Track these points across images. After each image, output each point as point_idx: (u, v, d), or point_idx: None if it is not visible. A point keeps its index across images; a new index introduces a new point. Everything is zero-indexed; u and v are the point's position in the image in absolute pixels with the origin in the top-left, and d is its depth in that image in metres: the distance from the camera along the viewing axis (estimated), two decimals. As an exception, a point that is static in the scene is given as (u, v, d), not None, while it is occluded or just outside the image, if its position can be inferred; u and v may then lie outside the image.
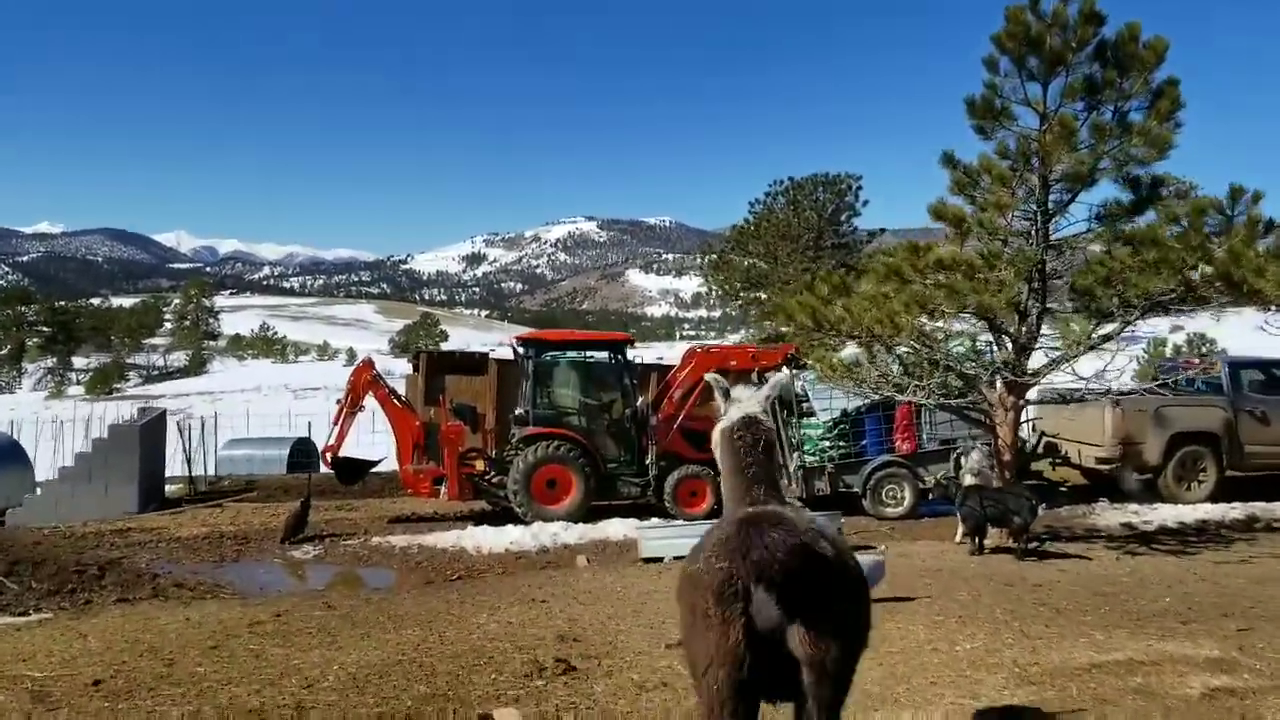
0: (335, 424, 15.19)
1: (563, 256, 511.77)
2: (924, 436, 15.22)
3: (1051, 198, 11.57)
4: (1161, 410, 15.05)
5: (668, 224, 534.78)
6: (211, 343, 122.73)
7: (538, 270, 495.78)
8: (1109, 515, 14.22)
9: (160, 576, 11.54)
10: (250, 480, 21.34)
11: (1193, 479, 15.30)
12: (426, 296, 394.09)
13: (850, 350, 13.38)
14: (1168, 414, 15.13)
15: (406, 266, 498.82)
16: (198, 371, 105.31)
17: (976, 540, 11.13)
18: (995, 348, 12.02)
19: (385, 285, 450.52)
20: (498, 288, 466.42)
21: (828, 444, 15.24)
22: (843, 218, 45.27)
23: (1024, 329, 11.52)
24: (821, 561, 3.06)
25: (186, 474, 20.26)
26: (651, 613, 8.41)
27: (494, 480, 15.14)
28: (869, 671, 6.07)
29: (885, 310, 11.10)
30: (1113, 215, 11.59)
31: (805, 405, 15.31)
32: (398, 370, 40.45)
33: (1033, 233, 11.53)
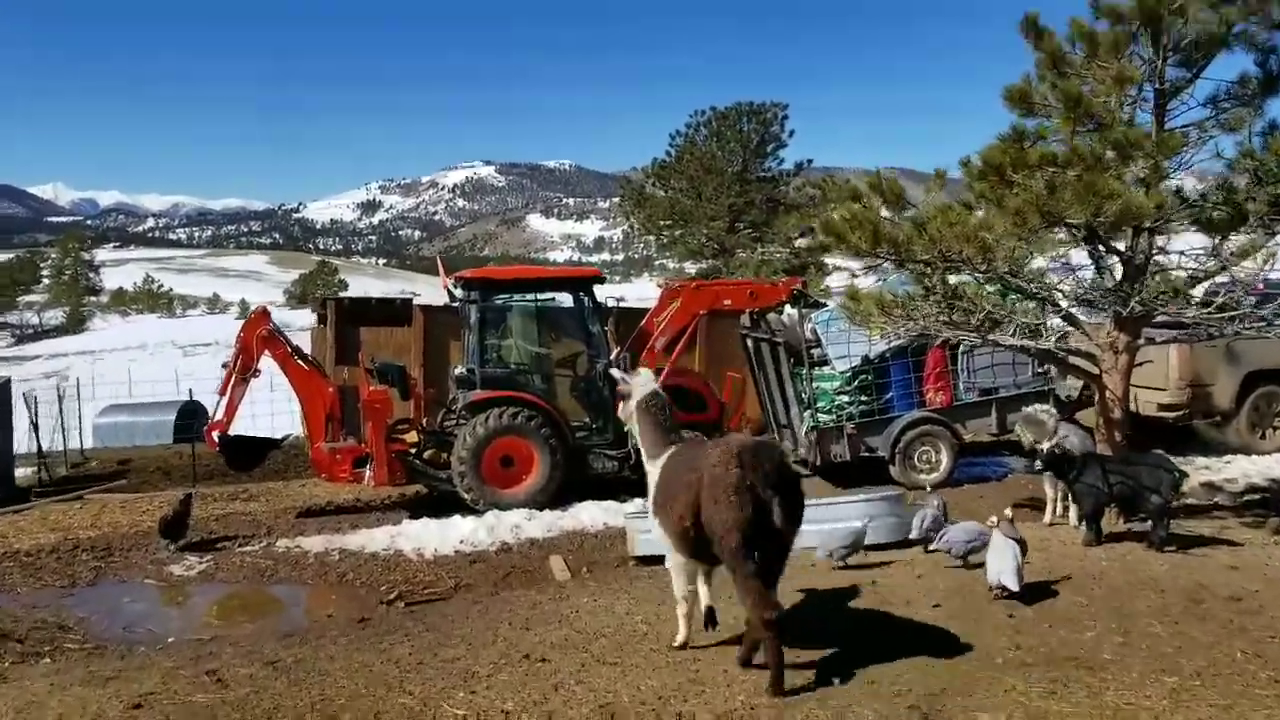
0: (222, 393, 11.77)
1: (461, 202, 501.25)
2: (960, 386, 12.50)
3: (1170, 73, 8.78)
4: (1234, 346, 12.59)
5: (568, 167, 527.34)
6: (93, 298, 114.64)
7: (436, 217, 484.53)
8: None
9: (-27, 621, 8.10)
10: (123, 462, 17.58)
11: (1269, 425, 12.99)
12: (322, 246, 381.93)
13: (864, 281, 10.56)
14: (1241, 350, 12.69)
15: (299, 215, 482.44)
16: (77, 329, 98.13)
17: (1094, 525, 8.44)
18: (1098, 274, 9.24)
19: (278, 235, 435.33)
20: (395, 235, 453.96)
21: (846, 399, 12.39)
22: (769, 149, 42.56)
23: (1139, 245, 8.77)
24: (791, 468, 5.51)
25: (37, 455, 16.41)
26: (718, 679, 5.47)
27: (432, 459, 11.96)
28: None
29: (973, 225, 8.23)
30: (1239, 97, 8.87)
31: (817, 352, 12.42)
32: (297, 324, 36.39)
33: (1150, 120, 8.76)
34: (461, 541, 10.55)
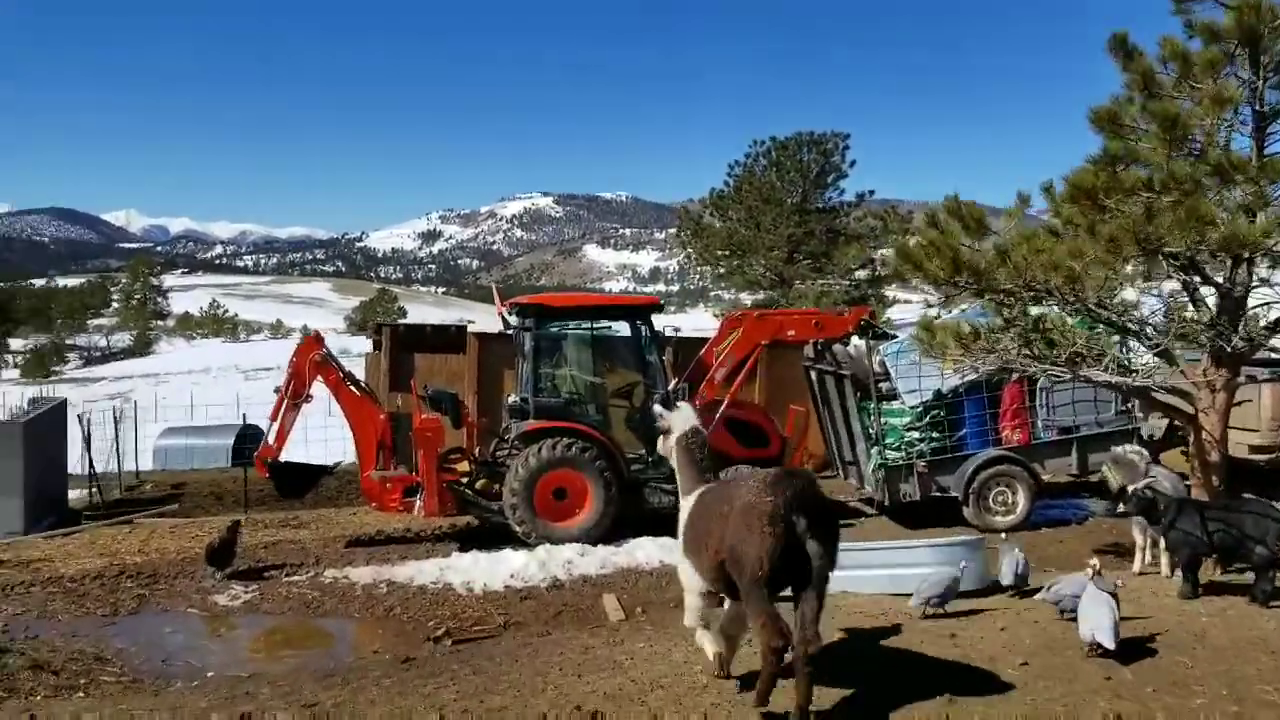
0: (273, 419, 11.54)
1: (519, 233, 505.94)
2: (1039, 424, 11.86)
3: (1269, 95, 8.21)
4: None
5: (624, 199, 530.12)
6: (160, 322, 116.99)
7: (494, 247, 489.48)
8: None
9: (10, 650, 7.85)
10: (177, 485, 17.49)
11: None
12: (382, 274, 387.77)
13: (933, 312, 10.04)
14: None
15: (362, 244, 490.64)
16: (143, 352, 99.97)
17: (1191, 577, 7.79)
18: (1193, 307, 8.63)
19: (340, 263, 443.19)
20: (454, 265, 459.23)
21: (916, 435, 11.82)
22: (829, 179, 41.90)
23: (1238, 276, 8.17)
24: (826, 500, 5.40)
25: (90, 478, 16.34)
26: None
27: (483, 489, 11.61)
28: None
29: (1060, 253, 7.70)
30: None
31: (885, 386, 11.88)
32: (355, 350, 36.50)
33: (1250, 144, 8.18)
34: (512, 576, 10.16)
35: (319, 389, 11.67)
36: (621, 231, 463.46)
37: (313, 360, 11.36)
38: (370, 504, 11.71)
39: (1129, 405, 11.90)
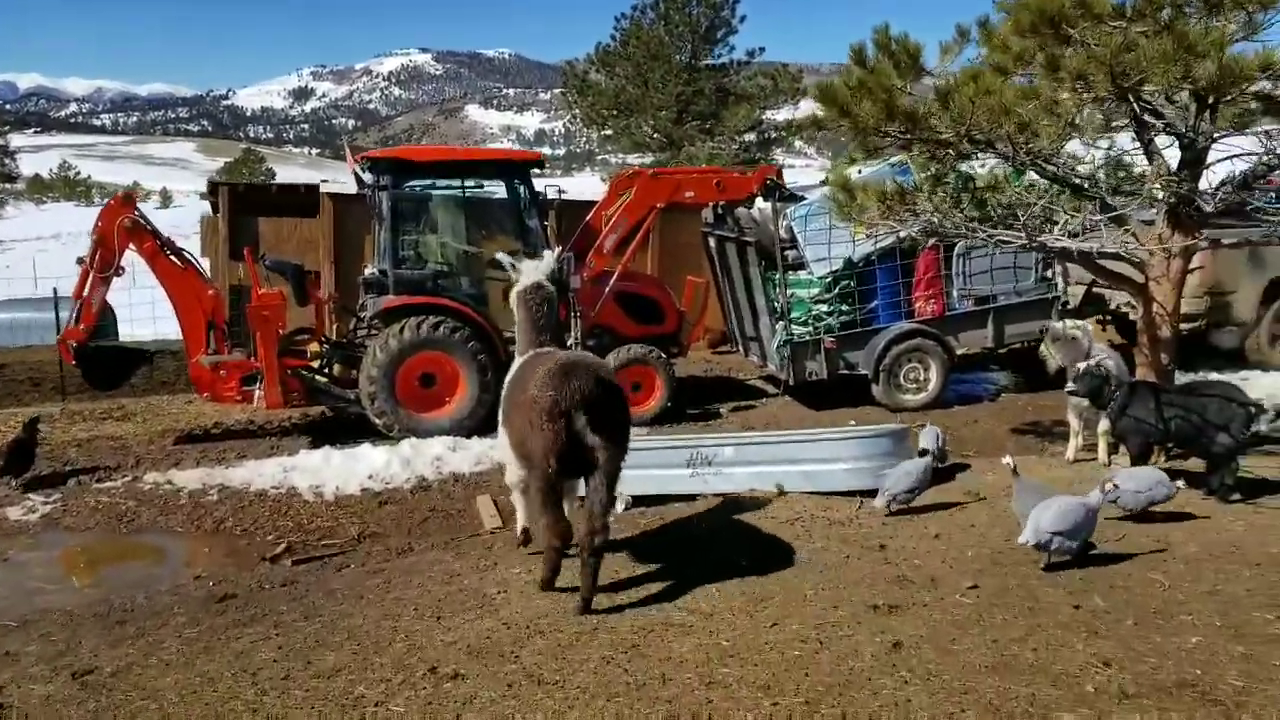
0: (77, 296, 9.71)
1: (397, 91, 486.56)
2: (954, 294, 10.86)
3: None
4: (1258, 250, 11.08)
5: (508, 56, 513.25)
6: (8, 185, 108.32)
7: (370, 106, 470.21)
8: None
9: None
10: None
11: (1289, 337, 11.66)
12: (251, 134, 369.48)
13: (853, 170, 8.84)
14: (1265, 255, 11.21)
15: (229, 102, 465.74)
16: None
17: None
18: (1147, 160, 7.53)
19: (206, 122, 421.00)
20: (328, 124, 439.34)
21: (825, 308, 10.68)
22: (719, 35, 40.26)
23: (1201, 125, 7.06)
24: (613, 390, 5.20)
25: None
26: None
27: (339, 376, 10.09)
28: None
29: (1012, 95, 6.45)
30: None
31: (792, 254, 10.64)
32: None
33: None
34: (370, 477, 8.77)
35: (134, 258, 9.82)
36: (505, 92, 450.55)
37: (121, 225, 9.48)
38: (202, 395, 10.07)
39: (1050, 273, 10.99)
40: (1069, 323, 8.00)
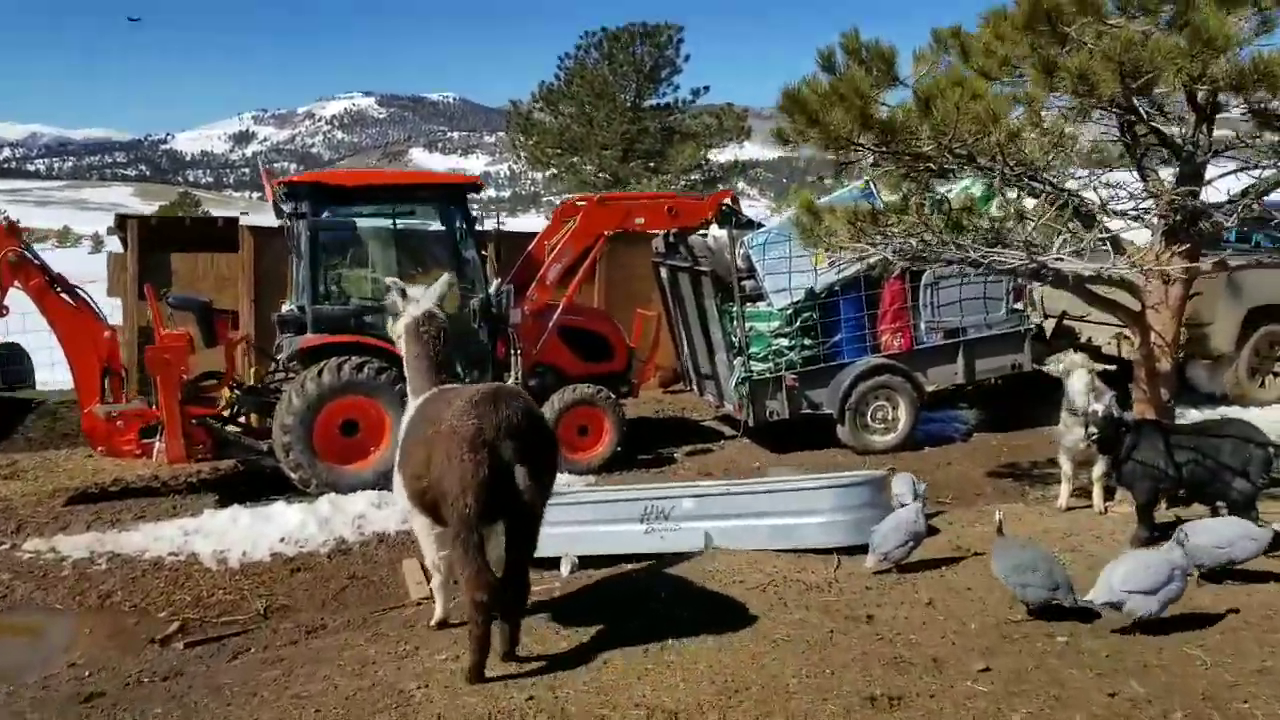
0: (-48, 338, 8.62)
1: (340, 135, 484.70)
2: (921, 325, 10.15)
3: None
4: (1236, 278, 10.56)
5: (452, 100, 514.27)
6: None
7: (313, 149, 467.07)
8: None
9: None
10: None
11: (1269, 370, 11.11)
12: (190, 178, 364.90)
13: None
14: (1245, 283, 10.68)
15: (167, 146, 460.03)
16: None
17: (1148, 518, 6.18)
18: (1139, 175, 6.88)
19: (144, 167, 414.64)
20: (269, 168, 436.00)
21: (786, 343, 9.90)
22: (663, 74, 40.27)
23: (1200, 135, 6.44)
24: (541, 422, 4.81)
25: None
26: None
27: (250, 425, 9.09)
28: None
29: (1001, 102, 5.76)
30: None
31: (750, 285, 9.87)
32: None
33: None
34: (282, 540, 7.75)
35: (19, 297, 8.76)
36: (450, 135, 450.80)
37: (5, 260, 8.44)
38: (95, 449, 8.98)
39: (1021, 304, 10.37)
40: (1074, 355, 7.24)
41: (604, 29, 38.98)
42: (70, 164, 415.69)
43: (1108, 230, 6.51)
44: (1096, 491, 7.05)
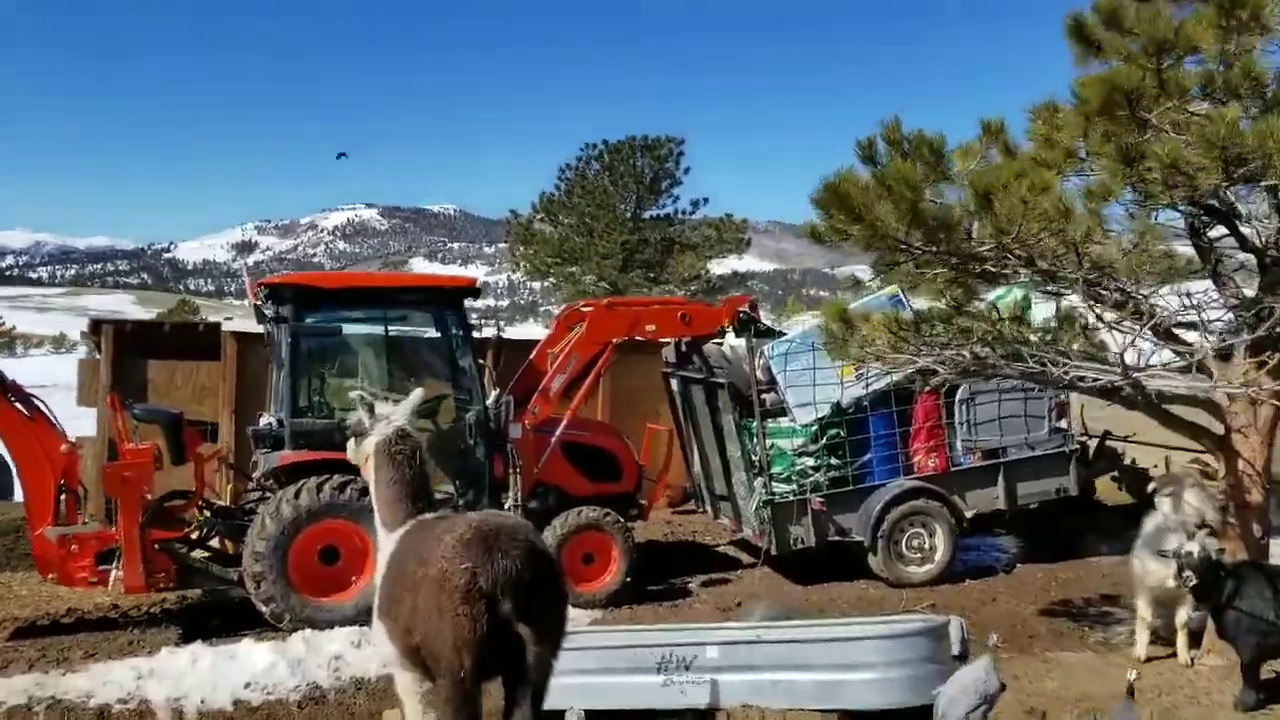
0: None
1: (342, 245, 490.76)
2: (957, 445, 9.36)
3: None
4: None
5: (452, 212, 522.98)
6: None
7: (315, 259, 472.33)
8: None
9: None
10: None
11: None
12: (192, 286, 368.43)
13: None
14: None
15: (170, 255, 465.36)
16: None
17: (1255, 676, 5.28)
18: (1215, 285, 6.20)
19: (146, 275, 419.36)
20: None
21: (811, 463, 9.09)
22: (663, 186, 40.65)
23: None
24: (548, 562, 4.04)
25: None
26: None
27: (221, 550, 8.20)
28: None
29: (1070, 197, 5.09)
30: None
31: (770, 398, 9.10)
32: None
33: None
34: (248, 686, 6.79)
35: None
36: (450, 245, 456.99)
37: (-47, 366, 7.67)
38: (44, 576, 8.06)
39: (1065, 422, 9.60)
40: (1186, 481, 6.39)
41: (605, 141, 39.44)
42: (73, 271, 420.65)
43: (1186, 344, 5.76)
44: (1181, 640, 6.17)
